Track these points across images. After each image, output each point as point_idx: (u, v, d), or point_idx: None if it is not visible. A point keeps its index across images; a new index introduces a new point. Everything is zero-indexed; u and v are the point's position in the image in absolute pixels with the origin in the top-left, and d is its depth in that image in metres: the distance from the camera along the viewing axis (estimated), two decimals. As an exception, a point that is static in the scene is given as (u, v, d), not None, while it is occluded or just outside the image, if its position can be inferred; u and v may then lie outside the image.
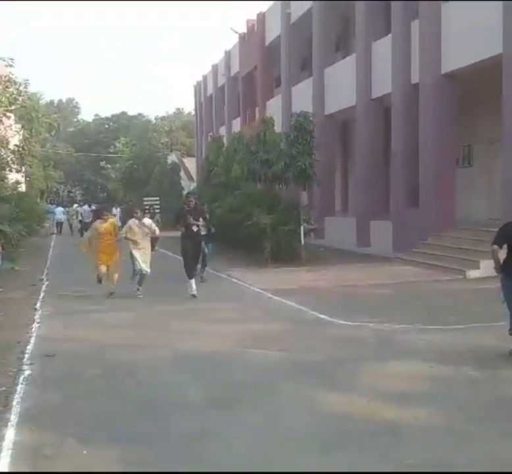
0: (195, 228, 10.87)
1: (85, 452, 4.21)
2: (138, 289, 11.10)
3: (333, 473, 3.66)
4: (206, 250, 12.59)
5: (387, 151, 17.99)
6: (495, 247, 6.37)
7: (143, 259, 11.05)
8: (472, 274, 12.11)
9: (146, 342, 7.49)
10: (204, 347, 7.07)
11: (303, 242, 15.96)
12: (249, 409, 5.10)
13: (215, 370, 6.27)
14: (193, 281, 10.85)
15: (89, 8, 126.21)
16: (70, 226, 34.23)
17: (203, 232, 11.64)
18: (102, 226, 11.17)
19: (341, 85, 20.55)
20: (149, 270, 11.13)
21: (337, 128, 23.13)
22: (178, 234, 11.37)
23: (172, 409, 5.07)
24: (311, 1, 21.80)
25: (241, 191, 18.71)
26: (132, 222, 11.20)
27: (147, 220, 11.38)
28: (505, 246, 6.44)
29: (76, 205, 41.58)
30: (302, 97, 23.05)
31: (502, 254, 6.45)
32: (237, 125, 32.42)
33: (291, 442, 4.37)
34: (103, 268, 11.18)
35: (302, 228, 15.96)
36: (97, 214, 12.71)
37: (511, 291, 6.40)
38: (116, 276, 11.30)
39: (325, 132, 20.63)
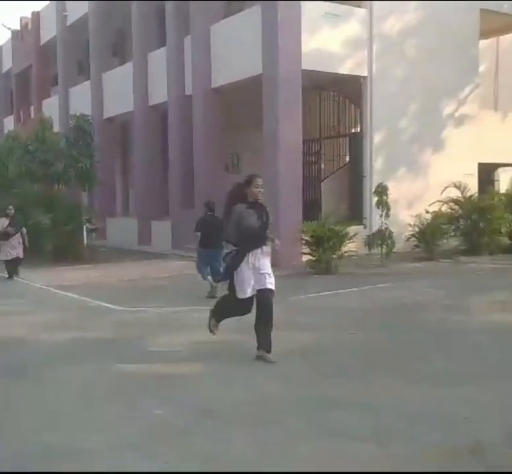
0: None
1: None
2: None
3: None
4: None
5: (166, 156, 19.17)
6: (197, 233, 10.07)
7: None
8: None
9: None
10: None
11: (85, 241, 16.45)
12: (43, 381, 5.79)
13: (9, 353, 6.76)
14: None
15: None
16: None
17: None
18: None
19: (119, 91, 21.20)
20: None
21: (117, 130, 23.65)
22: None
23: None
24: (87, 4, 22.11)
25: (18, 190, 18.43)
26: None
27: None
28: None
29: None
30: (80, 98, 23.23)
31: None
32: (10, 123, 31.14)
33: (84, 401, 5.22)
34: None
35: (85, 227, 16.46)
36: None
37: (201, 257, 10.18)
38: None
39: (105, 134, 21.15)
